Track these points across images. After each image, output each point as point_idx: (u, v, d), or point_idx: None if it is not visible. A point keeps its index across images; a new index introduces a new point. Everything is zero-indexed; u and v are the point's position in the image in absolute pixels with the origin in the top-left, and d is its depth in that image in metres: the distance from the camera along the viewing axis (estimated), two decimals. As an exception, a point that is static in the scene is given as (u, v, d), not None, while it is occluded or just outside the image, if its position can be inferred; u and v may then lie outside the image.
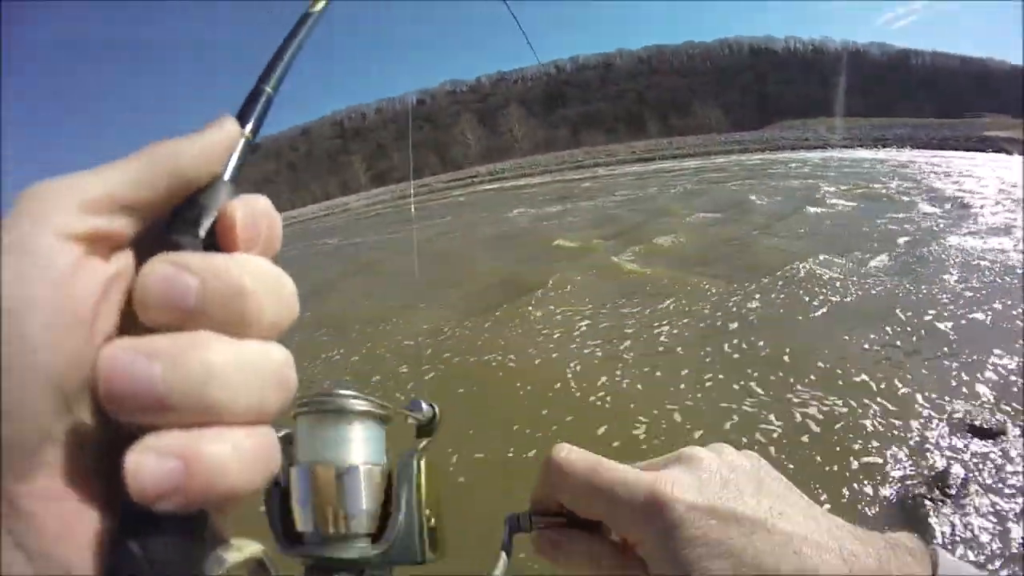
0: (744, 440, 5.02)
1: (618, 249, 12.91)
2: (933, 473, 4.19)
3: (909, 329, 6.95)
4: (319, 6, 0.52)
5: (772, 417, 5.45)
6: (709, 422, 5.62)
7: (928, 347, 6.45)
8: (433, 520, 0.56)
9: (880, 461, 4.42)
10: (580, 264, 12.22)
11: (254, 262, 0.32)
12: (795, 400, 5.57)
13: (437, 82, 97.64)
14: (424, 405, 0.66)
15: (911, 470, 4.36)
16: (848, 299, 8.21)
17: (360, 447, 0.52)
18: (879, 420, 4.88)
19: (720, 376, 6.34)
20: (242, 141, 0.37)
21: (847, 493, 4.07)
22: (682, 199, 20.15)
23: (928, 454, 4.48)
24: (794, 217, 14.13)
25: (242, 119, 0.38)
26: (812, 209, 15.54)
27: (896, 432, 4.74)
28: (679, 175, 33.81)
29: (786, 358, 6.66)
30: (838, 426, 5.01)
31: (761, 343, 7.04)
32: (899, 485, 4.18)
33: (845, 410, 5.20)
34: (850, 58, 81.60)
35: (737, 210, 16.35)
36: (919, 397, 5.40)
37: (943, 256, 9.55)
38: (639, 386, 6.52)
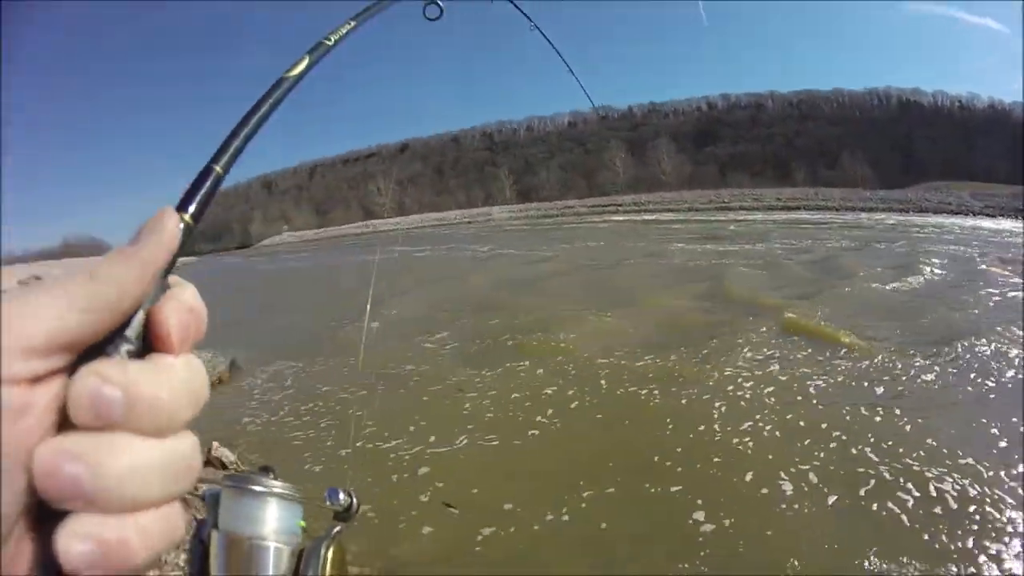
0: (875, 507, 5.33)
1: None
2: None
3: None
4: (297, 70, 0.63)
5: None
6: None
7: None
8: None
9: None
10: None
11: (175, 369, 0.38)
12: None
13: (589, 106, 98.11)
14: (341, 494, 0.82)
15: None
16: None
17: (273, 526, 0.68)
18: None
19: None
20: (182, 227, 0.41)
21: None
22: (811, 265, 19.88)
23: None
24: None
25: (186, 201, 0.44)
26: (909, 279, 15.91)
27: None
28: (824, 227, 33.46)
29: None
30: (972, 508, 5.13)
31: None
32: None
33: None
34: (995, 117, 76.68)
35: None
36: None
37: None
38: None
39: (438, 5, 1.14)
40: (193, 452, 0.39)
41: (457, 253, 30.00)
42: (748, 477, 5.97)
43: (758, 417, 7.39)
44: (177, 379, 0.38)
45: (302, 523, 0.71)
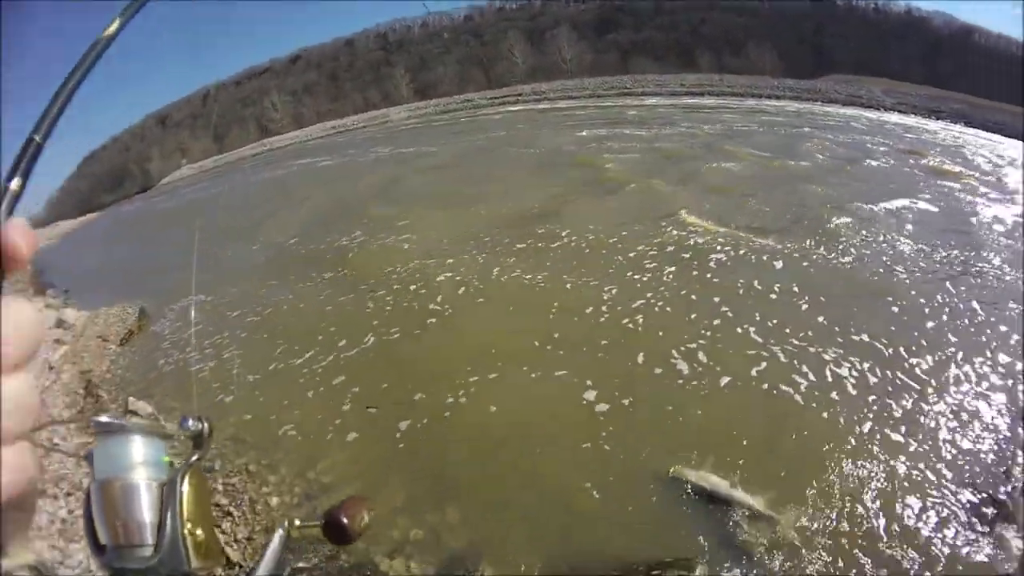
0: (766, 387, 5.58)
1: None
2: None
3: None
4: (112, 28, 0.61)
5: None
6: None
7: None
8: (199, 531, 0.70)
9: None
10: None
11: (3, 316, 0.41)
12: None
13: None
14: (191, 421, 0.82)
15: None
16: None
17: (139, 464, 0.67)
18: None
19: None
20: (9, 193, 0.47)
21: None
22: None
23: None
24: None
25: (12, 172, 0.49)
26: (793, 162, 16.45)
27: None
28: (725, 112, 33.77)
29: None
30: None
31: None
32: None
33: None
34: (911, 23, 77.29)
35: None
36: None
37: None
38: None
39: None
40: (30, 390, 0.43)
41: (357, 160, 29.16)
42: (640, 358, 6.20)
43: (650, 295, 7.77)
44: (8, 323, 0.41)
45: (167, 458, 0.72)
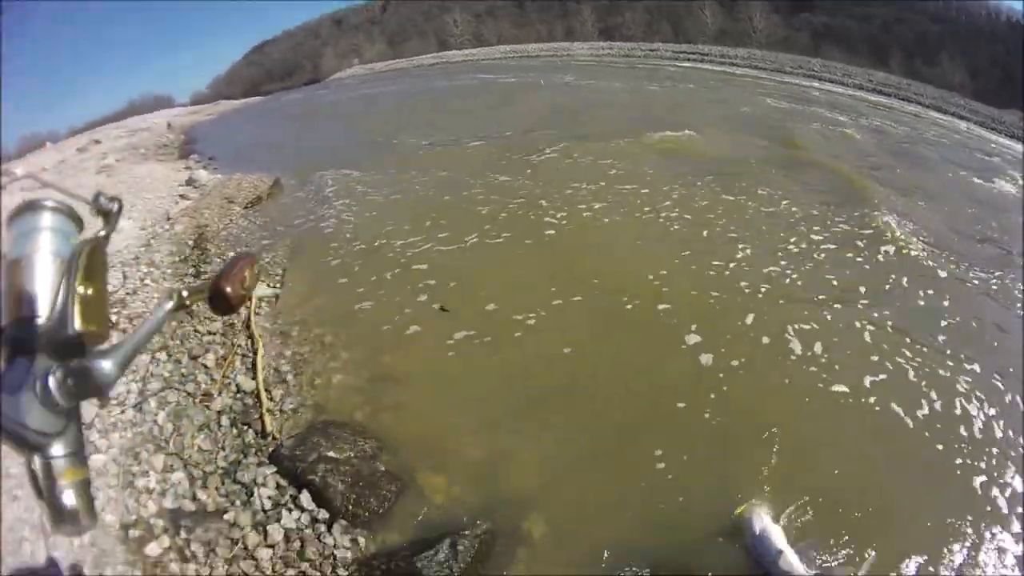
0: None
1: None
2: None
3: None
4: None
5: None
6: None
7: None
8: (89, 291, 0.70)
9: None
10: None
11: None
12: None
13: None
14: (103, 199, 0.83)
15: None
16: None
17: (40, 239, 0.68)
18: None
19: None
20: None
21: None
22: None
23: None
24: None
25: None
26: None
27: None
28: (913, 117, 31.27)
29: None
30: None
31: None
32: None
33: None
34: None
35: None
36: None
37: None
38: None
39: None
40: None
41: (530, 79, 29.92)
42: (749, 319, 5.71)
43: (784, 263, 7.19)
44: None
45: (74, 239, 0.73)
